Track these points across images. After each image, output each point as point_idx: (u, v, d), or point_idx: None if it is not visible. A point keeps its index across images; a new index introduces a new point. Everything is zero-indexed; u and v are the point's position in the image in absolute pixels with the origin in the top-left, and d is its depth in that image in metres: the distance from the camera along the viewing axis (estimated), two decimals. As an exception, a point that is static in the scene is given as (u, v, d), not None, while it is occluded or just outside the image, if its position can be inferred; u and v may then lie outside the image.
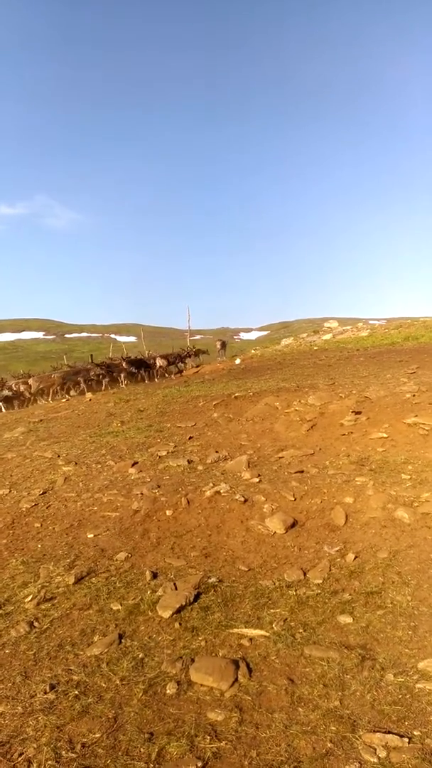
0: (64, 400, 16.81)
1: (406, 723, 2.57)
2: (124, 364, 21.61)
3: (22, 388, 19.25)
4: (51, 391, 19.40)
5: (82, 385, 20.02)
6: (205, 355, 27.97)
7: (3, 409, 18.03)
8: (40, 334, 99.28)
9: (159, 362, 23.29)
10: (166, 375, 23.10)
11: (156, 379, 22.14)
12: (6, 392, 19.10)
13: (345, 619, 3.54)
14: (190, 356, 26.29)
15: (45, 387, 19.49)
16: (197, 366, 23.55)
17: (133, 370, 21.98)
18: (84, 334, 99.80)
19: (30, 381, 19.49)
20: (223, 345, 27.30)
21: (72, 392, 19.78)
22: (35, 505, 6.31)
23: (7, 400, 18.97)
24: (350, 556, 4.39)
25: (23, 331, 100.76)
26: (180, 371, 23.98)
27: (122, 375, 21.34)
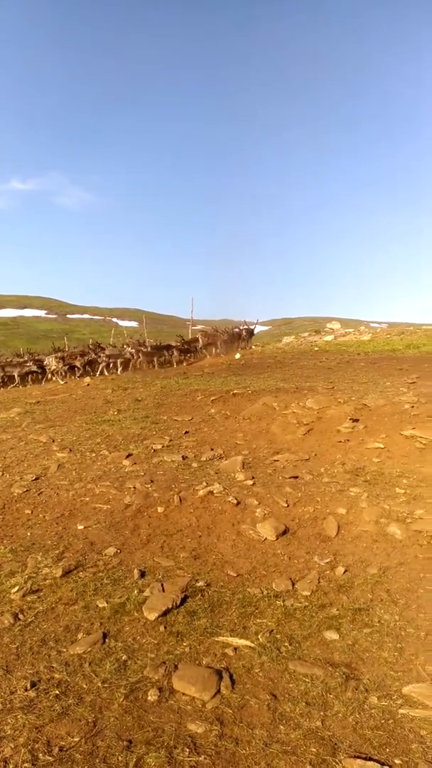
0: (62, 382, 16.74)
1: (388, 750, 2.55)
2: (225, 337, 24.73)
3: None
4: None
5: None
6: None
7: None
8: (41, 313, 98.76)
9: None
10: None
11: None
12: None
13: (331, 635, 3.51)
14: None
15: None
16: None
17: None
18: (86, 316, 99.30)
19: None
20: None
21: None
22: (27, 491, 6.27)
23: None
24: (340, 569, 4.37)
25: (25, 308, 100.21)
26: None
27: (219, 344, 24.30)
